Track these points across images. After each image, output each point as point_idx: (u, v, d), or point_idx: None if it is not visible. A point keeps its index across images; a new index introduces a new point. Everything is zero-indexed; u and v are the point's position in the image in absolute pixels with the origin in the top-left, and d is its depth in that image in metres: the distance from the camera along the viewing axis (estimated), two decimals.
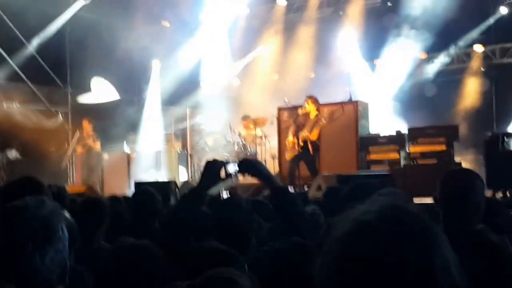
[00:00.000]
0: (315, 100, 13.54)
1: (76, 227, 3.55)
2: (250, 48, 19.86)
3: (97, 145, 15.79)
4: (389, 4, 18.27)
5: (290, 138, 13.61)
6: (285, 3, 19.70)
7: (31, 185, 3.73)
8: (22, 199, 2.04)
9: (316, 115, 13.39)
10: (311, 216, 4.51)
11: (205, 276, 2.31)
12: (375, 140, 14.20)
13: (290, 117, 14.16)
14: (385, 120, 16.17)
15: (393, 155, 13.63)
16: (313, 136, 13.25)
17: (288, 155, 13.64)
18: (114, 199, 6.40)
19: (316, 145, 13.38)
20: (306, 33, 19.34)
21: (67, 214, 3.58)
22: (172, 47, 18.53)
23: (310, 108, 13.44)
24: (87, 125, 15.81)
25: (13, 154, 16.01)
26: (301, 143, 13.34)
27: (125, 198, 6.81)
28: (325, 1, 19.43)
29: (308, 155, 13.34)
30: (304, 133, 13.29)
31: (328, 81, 17.44)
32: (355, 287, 1.38)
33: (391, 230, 1.40)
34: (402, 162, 13.36)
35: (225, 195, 5.29)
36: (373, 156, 13.90)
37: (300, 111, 13.63)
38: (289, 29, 19.67)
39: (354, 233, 1.43)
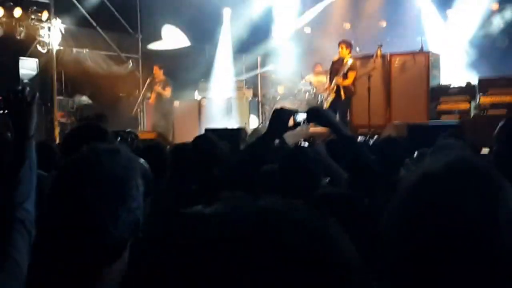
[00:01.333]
0: (348, 44, 13.54)
1: (152, 176, 3.66)
2: None
3: (168, 92, 15.83)
4: None
5: (326, 85, 13.75)
6: None
7: (95, 132, 3.56)
8: (94, 150, 1.87)
9: (350, 60, 13.35)
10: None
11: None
12: (445, 90, 14.11)
13: (362, 67, 14.09)
14: (457, 70, 15.91)
15: (464, 106, 13.53)
16: (348, 81, 13.26)
17: (326, 103, 13.66)
18: (179, 146, 6.48)
19: (349, 90, 13.36)
20: None
21: (143, 163, 3.69)
22: None
23: (344, 52, 13.44)
24: (158, 71, 15.84)
25: (83, 100, 16.28)
26: (334, 89, 13.37)
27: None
28: None
29: (339, 101, 13.34)
30: (336, 79, 13.30)
31: (400, 31, 17.17)
32: (421, 237, 1.42)
33: (457, 181, 1.46)
34: (472, 113, 13.23)
35: (303, 144, 5.33)
36: (443, 106, 13.79)
37: (334, 57, 13.66)
38: None
39: (421, 183, 1.48)
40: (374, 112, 13.61)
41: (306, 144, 5.41)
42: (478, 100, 13.19)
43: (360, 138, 12.30)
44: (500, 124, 3.70)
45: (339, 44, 13.69)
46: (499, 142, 3.63)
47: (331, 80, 13.62)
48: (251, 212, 1.00)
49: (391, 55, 14.48)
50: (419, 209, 1.45)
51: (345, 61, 13.39)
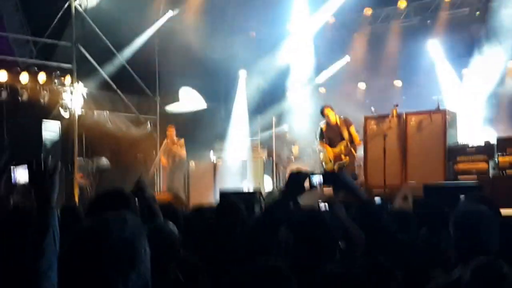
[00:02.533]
0: (331, 107, 13.59)
1: (179, 240, 3.67)
2: (336, 56, 19.82)
3: (183, 152, 15.95)
4: (477, 13, 17.89)
5: (329, 150, 13.67)
6: (371, 11, 19.55)
7: (118, 198, 3.76)
8: (103, 219, 1.95)
9: (340, 118, 13.55)
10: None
11: None
12: (463, 149, 13.87)
13: (377, 126, 14.10)
14: (474, 129, 15.80)
15: (482, 165, 13.31)
16: (356, 138, 13.36)
17: (329, 166, 13.68)
18: (196, 209, 6.44)
19: (356, 147, 13.56)
20: (392, 41, 19.17)
21: (172, 226, 3.72)
22: (259, 56, 18.68)
23: (332, 115, 13.49)
24: (172, 132, 16.03)
25: (103, 161, 16.47)
26: (344, 151, 13.34)
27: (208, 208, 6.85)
28: (412, 10, 19.15)
29: (352, 163, 13.54)
30: (345, 141, 13.39)
31: (415, 90, 17.24)
32: None
33: None
34: (491, 173, 13.07)
35: (323, 206, 5.28)
36: (461, 166, 13.60)
37: (322, 125, 13.71)
38: (376, 38, 19.52)
39: None
40: (390, 172, 13.51)
41: (324, 205, 5.36)
42: (496, 159, 13.06)
43: (377, 199, 12.28)
44: None
45: (324, 109, 13.75)
46: None
47: (332, 145, 13.60)
48: None
49: (407, 114, 14.34)
50: None
51: (338, 122, 13.45)
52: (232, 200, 5.95)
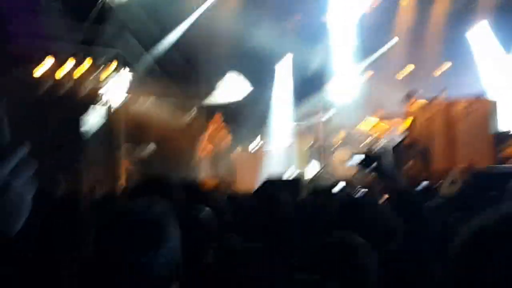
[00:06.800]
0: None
1: (215, 223, 3.71)
2: (382, 41, 19.60)
3: (228, 139, 16.02)
4: None
5: None
6: None
7: (156, 185, 3.91)
8: (134, 203, 2.20)
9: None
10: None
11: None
12: (510, 136, 13.74)
13: (424, 111, 13.97)
14: None
15: None
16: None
17: None
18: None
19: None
20: (438, 25, 18.87)
21: (208, 210, 3.76)
22: (304, 41, 18.59)
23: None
24: (218, 119, 16.12)
25: (148, 148, 16.61)
26: None
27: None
28: None
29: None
30: None
31: (461, 75, 16.98)
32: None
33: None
34: None
35: (340, 186, 5.22)
36: (508, 152, 13.42)
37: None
38: (421, 21, 19.23)
39: (473, 238, 1.49)
40: (437, 157, 13.40)
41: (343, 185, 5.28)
42: None
43: (424, 184, 12.18)
44: None
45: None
46: None
47: None
48: None
49: (453, 99, 14.24)
50: (470, 263, 1.47)
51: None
52: (269, 188, 5.89)
